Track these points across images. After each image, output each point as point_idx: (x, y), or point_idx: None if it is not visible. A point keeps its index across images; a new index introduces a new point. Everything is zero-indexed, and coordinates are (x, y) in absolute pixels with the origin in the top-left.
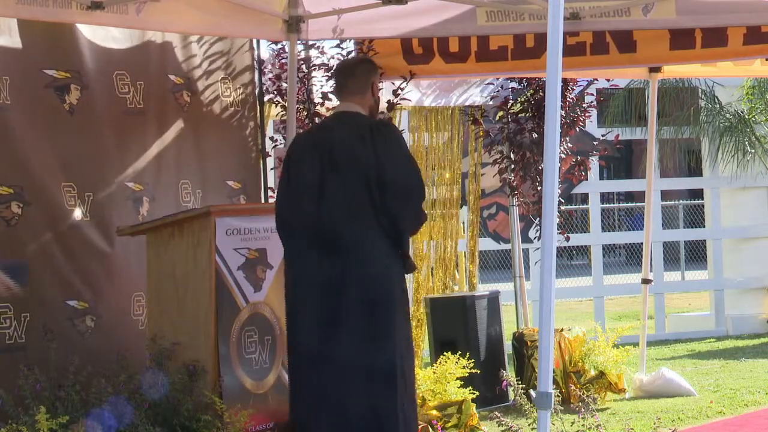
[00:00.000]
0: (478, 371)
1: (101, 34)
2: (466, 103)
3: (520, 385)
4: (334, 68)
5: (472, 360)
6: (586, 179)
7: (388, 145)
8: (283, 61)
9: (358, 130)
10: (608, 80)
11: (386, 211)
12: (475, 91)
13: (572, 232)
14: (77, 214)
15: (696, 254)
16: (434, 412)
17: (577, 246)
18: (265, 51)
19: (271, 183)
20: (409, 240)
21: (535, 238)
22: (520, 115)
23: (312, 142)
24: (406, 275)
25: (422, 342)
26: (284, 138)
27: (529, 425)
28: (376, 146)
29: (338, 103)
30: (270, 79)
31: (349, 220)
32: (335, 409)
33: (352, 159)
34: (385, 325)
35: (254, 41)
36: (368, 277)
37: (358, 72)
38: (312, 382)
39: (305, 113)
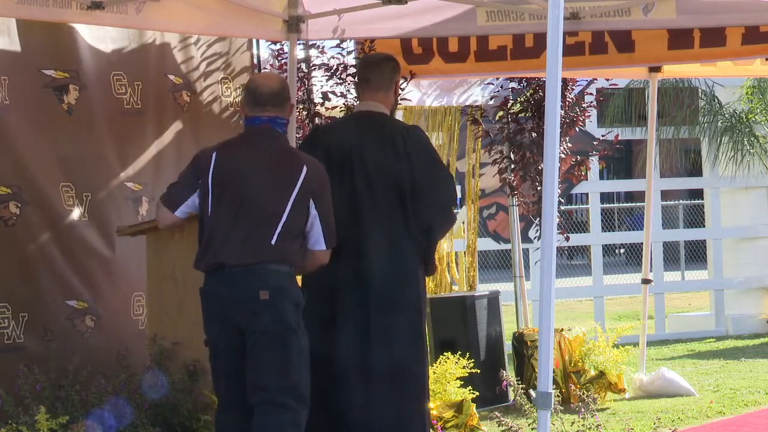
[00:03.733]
0: (478, 371)
1: (99, 35)
2: (466, 103)
3: (520, 385)
4: (358, 62)
5: (472, 360)
6: (586, 179)
7: (420, 150)
8: (283, 61)
9: (389, 134)
10: (607, 80)
11: (418, 217)
12: (475, 91)
13: (572, 232)
14: (76, 214)
15: (696, 254)
16: (434, 412)
17: (577, 246)
18: (265, 51)
19: None
20: (438, 242)
21: (535, 238)
22: (519, 115)
23: (336, 142)
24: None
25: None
26: None
27: (529, 425)
28: (408, 152)
29: (360, 100)
30: None
31: (372, 222)
32: (356, 410)
33: (379, 163)
34: (408, 325)
35: (254, 41)
36: (388, 277)
37: (383, 68)
38: (331, 384)
39: (305, 113)
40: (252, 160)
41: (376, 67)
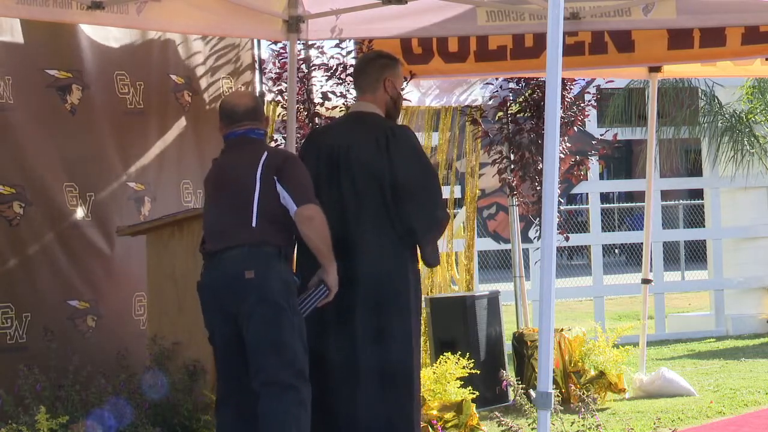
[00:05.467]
0: (478, 371)
1: (102, 34)
2: (466, 103)
3: (520, 385)
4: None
5: (472, 360)
6: (586, 179)
7: (402, 149)
8: (283, 61)
9: (373, 134)
10: (604, 80)
11: (400, 215)
12: (474, 91)
13: (572, 232)
14: (79, 214)
15: (696, 254)
16: (434, 412)
17: (577, 246)
18: (265, 51)
19: None
20: (430, 242)
21: (535, 238)
22: (518, 116)
23: (327, 144)
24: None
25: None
26: (284, 138)
27: (529, 425)
28: (390, 151)
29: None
30: (270, 79)
31: (360, 222)
32: (346, 410)
33: (365, 163)
34: (397, 325)
35: (255, 41)
36: (377, 277)
37: (368, 69)
38: (322, 384)
39: (305, 113)
40: (230, 161)
41: (361, 69)
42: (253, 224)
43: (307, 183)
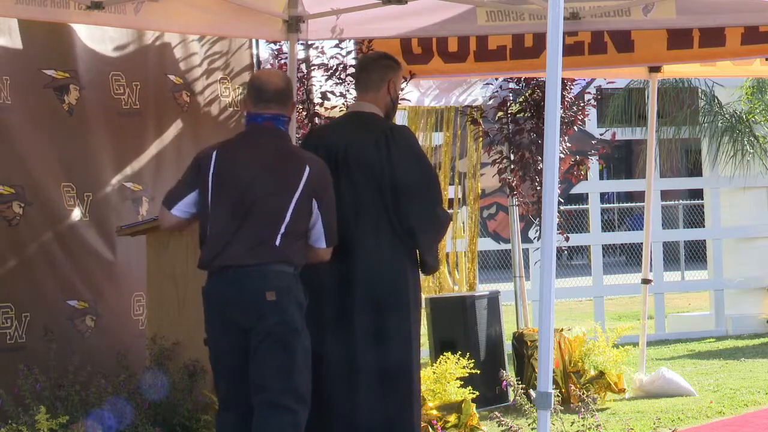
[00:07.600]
0: (478, 371)
1: (98, 35)
2: (466, 103)
3: (520, 385)
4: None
5: (472, 360)
6: (586, 179)
7: (401, 149)
8: (283, 61)
9: (373, 134)
10: (605, 80)
11: (399, 215)
12: (474, 91)
13: (572, 232)
14: (76, 214)
15: (696, 254)
16: (434, 412)
17: (577, 246)
18: (265, 51)
19: None
20: (431, 243)
21: (535, 238)
22: (518, 116)
23: (325, 144)
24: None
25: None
26: None
27: (529, 425)
28: (390, 151)
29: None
30: None
31: (358, 222)
32: (345, 412)
33: (364, 163)
34: (397, 326)
35: (254, 41)
36: (376, 278)
37: (371, 68)
38: (321, 386)
39: (305, 113)
40: (254, 159)
41: (364, 68)
42: (277, 243)
43: (335, 217)
